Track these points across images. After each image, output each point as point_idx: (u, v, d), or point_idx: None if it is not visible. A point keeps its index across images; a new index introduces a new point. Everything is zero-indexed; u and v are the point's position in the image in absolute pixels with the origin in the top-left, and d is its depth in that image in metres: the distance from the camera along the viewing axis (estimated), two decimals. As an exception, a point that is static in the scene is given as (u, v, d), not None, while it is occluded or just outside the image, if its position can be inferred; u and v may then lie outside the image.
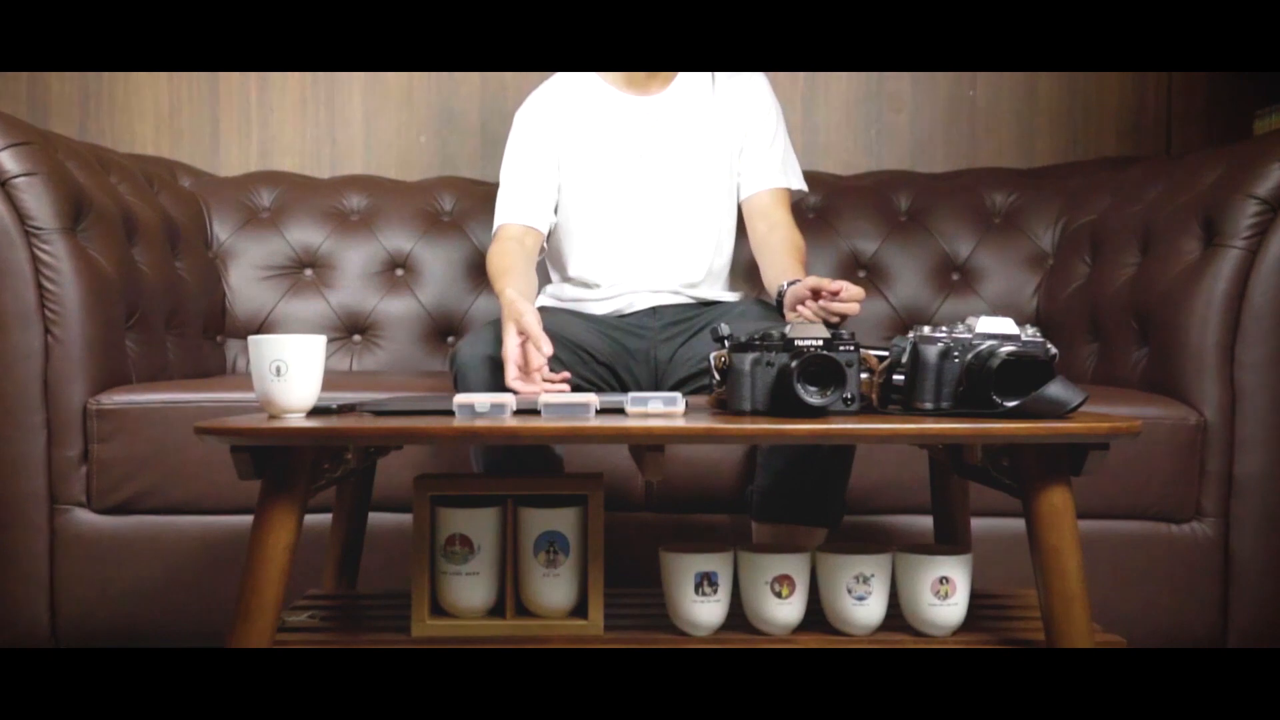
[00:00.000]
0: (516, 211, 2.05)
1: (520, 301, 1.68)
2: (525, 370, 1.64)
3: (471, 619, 1.44)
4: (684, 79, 2.11)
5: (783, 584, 1.41)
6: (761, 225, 2.07)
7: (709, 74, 2.12)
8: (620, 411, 1.34)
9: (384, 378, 2.23)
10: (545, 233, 2.07)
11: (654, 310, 2.05)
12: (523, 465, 1.80)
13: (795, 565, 1.42)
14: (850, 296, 1.67)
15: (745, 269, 2.31)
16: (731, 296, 2.13)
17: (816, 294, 1.69)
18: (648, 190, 2.06)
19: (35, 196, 1.96)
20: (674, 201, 2.06)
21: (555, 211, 2.09)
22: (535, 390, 1.61)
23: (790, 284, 1.80)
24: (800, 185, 2.14)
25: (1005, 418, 1.28)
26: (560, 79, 2.15)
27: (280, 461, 1.31)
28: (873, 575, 1.41)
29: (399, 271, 2.61)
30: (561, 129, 2.09)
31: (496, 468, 1.79)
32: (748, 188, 2.11)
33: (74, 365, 1.98)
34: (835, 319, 1.67)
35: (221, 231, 2.59)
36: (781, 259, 1.98)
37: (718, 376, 1.41)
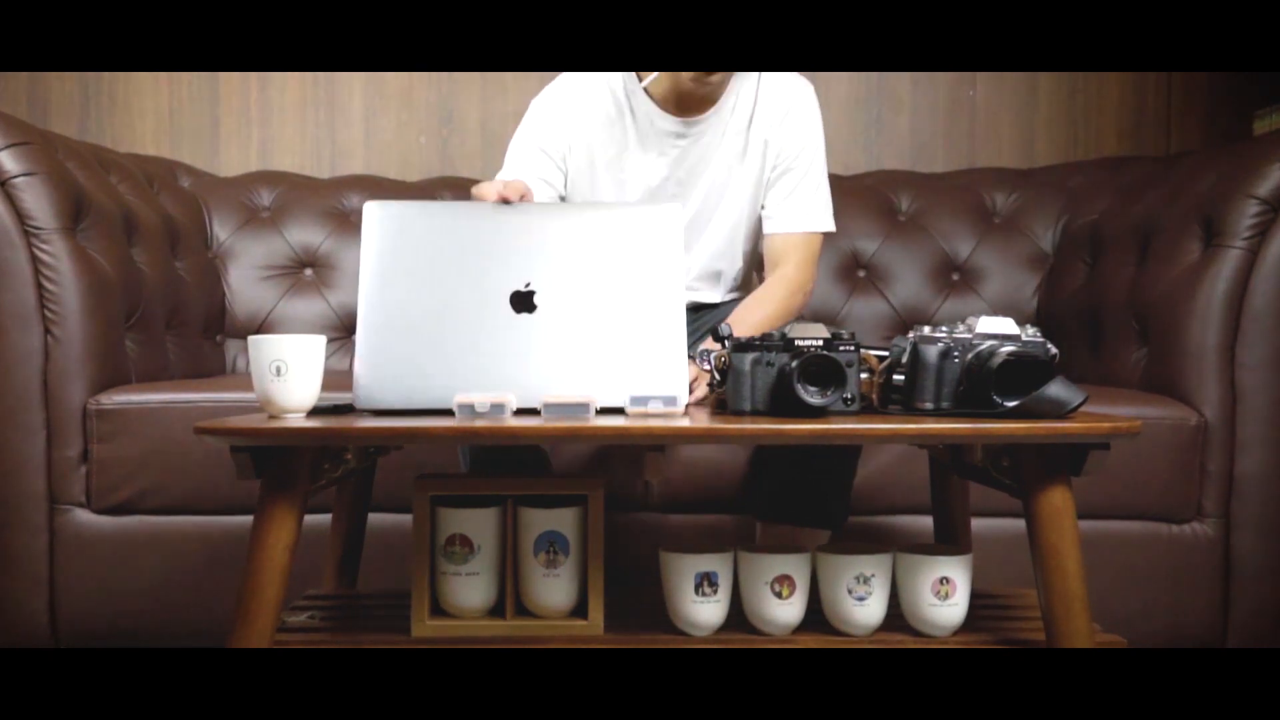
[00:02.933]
0: None
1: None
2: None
3: (471, 619, 1.43)
4: (728, 103, 1.95)
5: (783, 584, 1.41)
6: (768, 266, 1.97)
7: (753, 96, 1.95)
8: (620, 411, 1.34)
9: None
10: None
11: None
12: (512, 461, 1.79)
13: (795, 565, 1.42)
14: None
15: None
16: (730, 297, 2.11)
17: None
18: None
19: (35, 196, 1.96)
20: (700, 232, 1.99)
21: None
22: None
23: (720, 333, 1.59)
24: (828, 227, 1.96)
25: (1005, 418, 1.28)
26: (595, 79, 1.96)
27: (280, 461, 1.31)
28: (873, 575, 1.41)
29: (399, 271, 2.61)
30: (578, 133, 1.95)
31: (482, 464, 1.78)
32: (770, 225, 1.96)
33: (74, 365, 1.97)
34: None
35: (221, 231, 2.59)
36: (750, 300, 1.89)
37: (718, 376, 1.41)
